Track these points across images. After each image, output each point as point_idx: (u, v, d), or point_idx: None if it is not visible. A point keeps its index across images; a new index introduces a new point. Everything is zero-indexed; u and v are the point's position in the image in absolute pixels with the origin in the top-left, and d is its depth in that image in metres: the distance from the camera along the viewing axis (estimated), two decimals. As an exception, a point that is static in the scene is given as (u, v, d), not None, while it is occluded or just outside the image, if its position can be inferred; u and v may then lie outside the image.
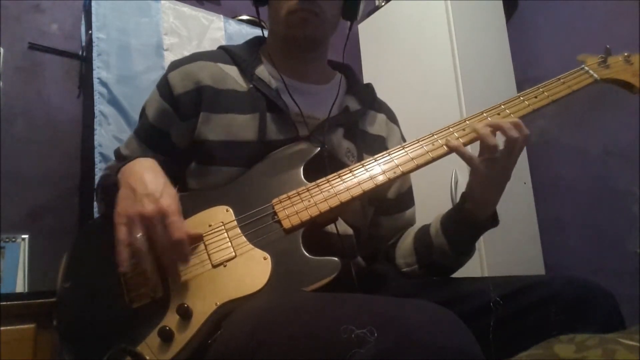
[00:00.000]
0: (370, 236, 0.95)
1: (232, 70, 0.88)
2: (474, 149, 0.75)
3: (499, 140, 0.74)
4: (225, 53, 0.91)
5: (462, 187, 1.75)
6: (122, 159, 0.87)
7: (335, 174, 0.76)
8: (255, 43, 0.96)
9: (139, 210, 0.66)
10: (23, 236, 1.53)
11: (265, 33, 0.95)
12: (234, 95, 0.84)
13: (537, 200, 2.04)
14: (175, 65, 0.88)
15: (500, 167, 0.74)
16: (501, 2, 2.17)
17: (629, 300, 1.58)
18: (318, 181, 0.76)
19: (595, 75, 0.84)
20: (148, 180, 0.70)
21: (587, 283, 0.68)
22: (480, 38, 2.03)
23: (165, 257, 0.66)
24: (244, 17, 2.04)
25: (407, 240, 0.91)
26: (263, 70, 0.88)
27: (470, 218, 0.79)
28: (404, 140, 1.00)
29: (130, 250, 0.64)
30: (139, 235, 0.64)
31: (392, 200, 0.95)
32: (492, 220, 0.80)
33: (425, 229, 0.88)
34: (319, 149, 0.81)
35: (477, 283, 0.76)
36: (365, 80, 1.14)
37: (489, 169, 0.74)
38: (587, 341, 0.43)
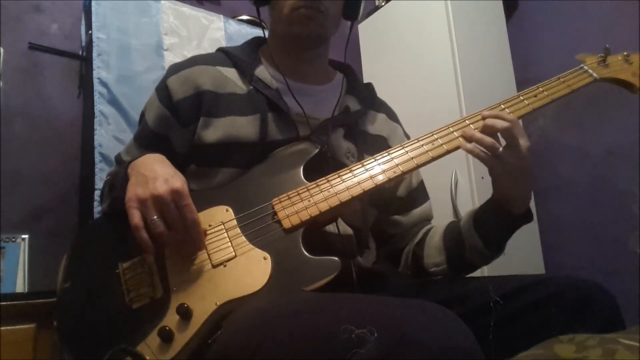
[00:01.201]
0: (392, 236, 0.95)
1: (231, 73, 0.87)
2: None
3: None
4: (224, 55, 0.91)
5: (462, 187, 1.75)
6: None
7: (335, 173, 0.76)
8: (254, 44, 0.96)
9: (151, 192, 0.66)
10: (23, 236, 1.53)
11: (266, 33, 0.95)
12: (234, 98, 0.84)
13: (537, 200, 2.04)
14: (174, 69, 0.88)
15: (511, 160, 0.72)
16: (501, 2, 2.17)
17: (629, 300, 1.58)
18: (318, 181, 0.76)
19: (595, 75, 0.84)
20: (158, 167, 0.72)
21: (587, 283, 0.68)
22: (480, 38, 2.03)
23: (179, 238, 0.66)
24: (244, 17, 2.04)
25: (434, 239, 0.89)
26: (263, 71, 0.88)
27: (505, 214, 0.77)
28: (408, 138, 1.00)
29: (149, 232, 0.65)
30: (154, 217, 0.65)
31: (403, 198, 0.95)
32: (527, 216, 0.79)
33: (455, 226, 0.86)
34: (319, 148, 0.81)
35: (477, 283, 0.76)
36: (365, 81, 1.15)
37: (501, 164, 0.73)
38: (587, 341, 0.43)
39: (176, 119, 0.84)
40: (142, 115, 0.90)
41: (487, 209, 0.81)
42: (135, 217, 0.65)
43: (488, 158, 0.73)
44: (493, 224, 0.79)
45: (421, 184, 0.99)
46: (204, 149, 0.82)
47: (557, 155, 2.05)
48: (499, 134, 0.74)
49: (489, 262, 0.83)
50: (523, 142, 0.72)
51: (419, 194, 0.98)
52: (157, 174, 0.69)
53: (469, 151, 0.74)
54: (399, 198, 0.95)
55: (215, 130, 0.81)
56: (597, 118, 1.90)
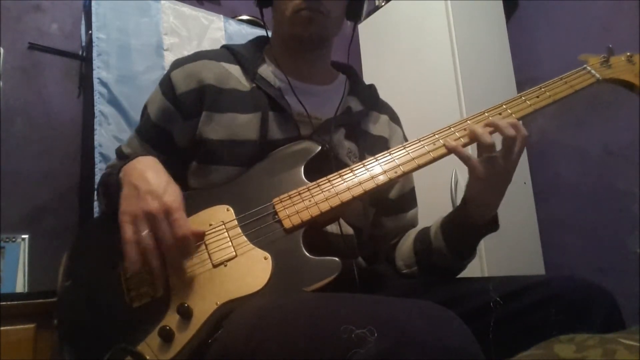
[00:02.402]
0: (372, 237, 0.95)
1: (235, 70, 0.88)
2: (472, 151, 0.75)
3: (497, 141, 0.74)
4: (229, 52, 0.91)
5: (462, 188, 1.75)
6: (123, 157, 0.87)
7: (336, 173, 0.76)
8: (258, 42, 0.96)
9: (143, 208, 0.66)
10: (23, 236, 1.53)
11: (269, 34, 0.95)
12: (236, 94, 0.84)
13: (537, 200, 2.04)
14: (178, 63, 0.88)
15: (498, 168, 0.73)
16: (501, 2, 2.17)
17: (629, 300, 1.58)
18: (319, 180, 0.76)
19: (598, 75, 0.84)
20: (150, 177, 0.71)
21: (587, 283, 0.68)
22: (480, 38, 2.03)
23: (170, 254, 0.66)
24: (244, 17, 2.04)
25: (407, 242, 0.90)
26: (266, 70, 0.88)
27: (470, 221, 0.78)
28: (406, 140, 1.00)
29: (138, 248, 0.64)
30: (145, 232, 0.65)
31: (393, 200, 0.95)
32: (492, 225, 0.79)
33: (425, 231, 0.87)
34: (320, 148, 0.81)
35: (477, 283, 0.76)
36: (365, 80, 1.14)
37: (487, 170, 0.73)
38: (587, 341, 0.43)
39: (179, 112, 0.84)
40: (145, 108, 0.90)
41: (454, 217, 0.81)
42: (127, 232, 0.65)
43: (471, 161, 0.73)
44: (459, 231, 0.80)
45: (412, 190, 0.99)
46: (205, 146, 0.82)
47: (557, 155, 2.05)
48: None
49: (457, 266, 0.84)
50: (516, 156, 0.73)
51: (409, 200, 0.98)
52: (150, 186, 0.68)
53: (453, 149, 0.74)
54: (389, 200, 0.95)
55: (216, 127, 0.81)
56: (597, 118, 1.90)
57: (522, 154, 0.74)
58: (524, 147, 0.74)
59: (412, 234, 0.91)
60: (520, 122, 0.76)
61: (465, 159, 0.74)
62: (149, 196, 0.67)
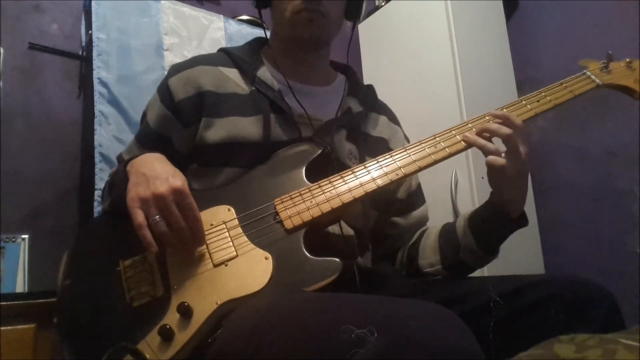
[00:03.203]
0: (387, 237, 0.95)
1: (233, 74, 0.88)
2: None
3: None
4: (226, 56, 0.91)
5: (462, 187, 1.75)
6: None
7: (337, 174, 0.76)
8: (256, 44, 0.96)
9: (152, 191, 0.66)
10: (23, 236, 1.53)
11: (268, 34, 0.95)
12: (235, 98, 0.85)
13: (537, 200, 2.04)
14: (175, 70, 0.88)
15: (511, 165, 0.73)
16: (501, 2, 2.17)
17: (629, 300, 1.58)
18: (320, 182, 0.76)
19: (597, 81, 0.85)
20: (157, 166, 0.72)
21: (587, 283, 0.68)
22: (480, 38, 2.03)
23: (179, 237, 0.67)
24: (244, 17, 2.04)
25: (429, 239, 0.90)
26: (265, 72, 0.88)
27: (501, 217, 0.78)
28: (408, 141, 1.01)
29: (151, 231, 0.65)
30: (157, 217, 0.65)
31: (403, 200, 0.95)
32: (522, 220, 0.80)
33: (450, 227, 0.87)
34: (322, 150, 0.81)
35: (477, 282, 0.77)
36: (365, 80, 1.14)
37: (502, 169, 0.73)
38: (587, 341, 0.43)
39: (178, 120, 0.84)
40: (144, 115, 0.90)
41: (483, 211, 0.81)
42: (139, 216, 0.66)
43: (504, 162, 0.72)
44: (488, 225, 0.80)
45: (419, 187, 1.00)
46: (206, 149, 0.82)
47: (557, 155, 2.05)
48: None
49: (483, 264, 0.83)
50: (523, 148, 0.73)
51: (417, 196, 0.98)
52: (157, 173, 0.70)
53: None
54: (398, 200, 0.95)
55: (218, 130, 0.81)
56: (597, 118, 1.90)
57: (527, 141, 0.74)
58: (526, 136, 0.74)
59: (433, 231, 0.90)
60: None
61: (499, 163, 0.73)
62: (157, 181, 0.68)
